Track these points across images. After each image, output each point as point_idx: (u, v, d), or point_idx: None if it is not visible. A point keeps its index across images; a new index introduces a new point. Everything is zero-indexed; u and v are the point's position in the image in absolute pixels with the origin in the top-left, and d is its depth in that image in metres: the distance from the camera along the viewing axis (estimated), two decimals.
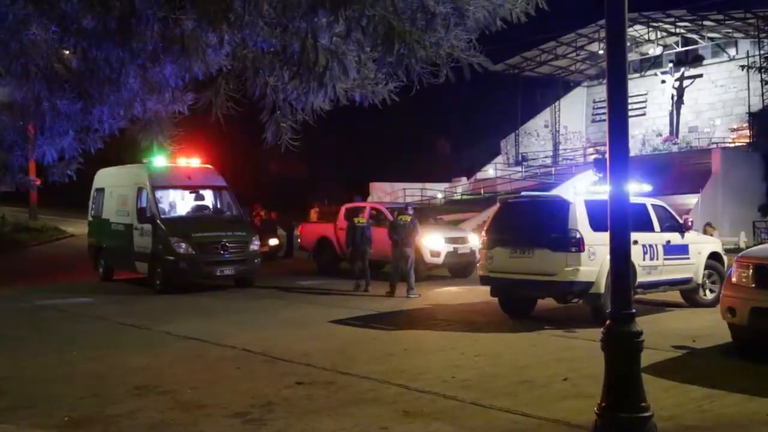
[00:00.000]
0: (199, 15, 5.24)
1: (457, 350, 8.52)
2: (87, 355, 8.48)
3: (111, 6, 5.14)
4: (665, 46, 36.35)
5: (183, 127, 8.44)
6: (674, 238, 11.38)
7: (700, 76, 35.40)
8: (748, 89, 31.66)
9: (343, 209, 19.10)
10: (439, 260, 16.83)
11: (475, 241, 16.40)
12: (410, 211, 14.82)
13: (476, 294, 13.00)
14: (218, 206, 16.71)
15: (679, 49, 36.12)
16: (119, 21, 5.23)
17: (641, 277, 10.52)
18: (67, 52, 6.39)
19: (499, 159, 39.67)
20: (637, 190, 11.60)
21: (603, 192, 10.48)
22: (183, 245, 14.67)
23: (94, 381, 7.10)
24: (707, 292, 11.97)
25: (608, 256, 5.01)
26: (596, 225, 9.81)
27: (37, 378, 7.36)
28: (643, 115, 37.29)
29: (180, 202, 16.55)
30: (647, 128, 36.80)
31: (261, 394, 6.44)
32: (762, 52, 31.21)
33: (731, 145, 32.01)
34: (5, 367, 7.85)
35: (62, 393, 6.66)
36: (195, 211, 16.31)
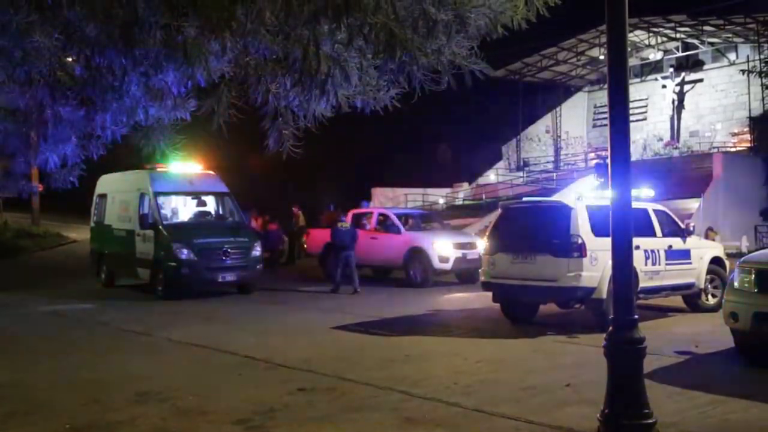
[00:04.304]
0: (201, 22, 5.27)
1: (459, 356, 8.51)
2: (88, 362, 8.48)
3: (114, 14, 5.16)
4: (666, 51, 36.36)
5: (185, 133, 8.47)
6: (676, 243, 11.37)
7: (701, 80, 35.40)
8: (749, 94, 31.63)
9: (350, 215, 19.02)
10: (448, 266, 16.65)
11: (482, 246, 16.32)
12: (343, 218, 16.28)
13: (485, 300, 12.62)
14: (220, 212, 16.72)
15: (680, 54, 36.13)
16: (122, 28, 5.25)
17: (643, 283, 10.51)
18: (70, 59, 6.42)
19: (501, 164, 39.64)
20: (640, 195, 11.60)
21: (606, 197, 10.48)
22: (185, 251, 14.66)
23: (95, 387, 7.09)
24: (709, 297, 11.95)
25: (610, 262, 5.01)
26: (598, 230, 9.81)
27: (38, 384, 7.36)
28: (644, 119, 37.28)
29: (182, 208, 16.56)
30: (648, 133, 36.79)
31: (263, 401, 6.43)
32: (762, 56, 31.20)
33: (732, 149, 31.99)
34: (6, 373, 7.85)
35: (63, 399, 6.66)
36: (197, 217, 16.31)
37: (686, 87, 35.58)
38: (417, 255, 16.82)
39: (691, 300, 11.90)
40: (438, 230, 18.26)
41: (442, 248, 16.71)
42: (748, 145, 30.93)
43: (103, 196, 17.84)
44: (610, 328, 4.87)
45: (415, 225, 18.35)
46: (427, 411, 6.10)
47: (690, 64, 35.83)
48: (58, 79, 6.47)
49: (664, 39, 35.33)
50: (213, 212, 16.69)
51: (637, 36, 34.24)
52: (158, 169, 15.99)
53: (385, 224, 17.87)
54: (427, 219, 20.11)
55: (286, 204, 24.80)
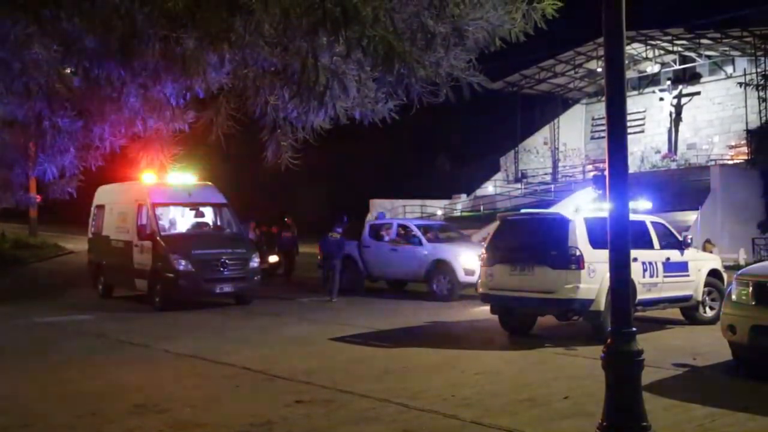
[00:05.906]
0: (200, 34, 5.29)
1: (457, 368, 8.49)
2: (85, 373, 8.44)
3: (113, 25, 5.18)
4: (663, 64, 36.57)
5: (183, 144, 8.48)
6: (674, 255, 11.38)
7: (698, 93, 35.57)
8: (746, 106, 31.80)
9: (367, 226, 18.78)
10: (474, 278, 15.66)
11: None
12: (339, 230, 16.61)
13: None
14: (218, 223, 16.71)
15: (677, 66, 36.32)
16: (121, 40, 5.27)
17: (641, 295, 10.50)
18: (69, 71, 6.44)
19: (499, 176, 39.72)
20: (638, 207, 11.62)
21: (604, 209, 10.51)
22: (182, 262, 14.64)
23: (92, 399, 7.06)
24: (707, 309, 11.94)
25: (608, 274, 5.02)
26: (596, 242, 9.81)
27: (34, 396, 7.32)
28: (642, 132, 37.41)
29: (180, 219, 16.54)
30: (646, 145, 36.91)
31: (260, 413, 6.40)
32: (759, 69, 31.39)
33: (729, 162, 32.09)
34: (2, 385, 7.81)
35: (60, 411, 6.62)
36: (195, 228, 16.30)
37: (683, 100, 35.76)
38: (441, 268, 16.22)
39: (689, 312, 11.88)
40: (460, 242, 17.63)
41: (467, 261, 16.00)
42: (746, 157, 31.05)
43: (101, 207, 17.83)
44: (608, 340, 4.86)
45: (435, 236, 17.71)
46: (425, 423, 6.08)
47: (687, 77, 36.03)
48: (57, 90, 6.48)
49: (662, 52, 35.54)
50: (211, 223, 16.68)
51: (634, 49, 34.43)
52: (156, 180, 15.99)
53: (406, 236, 17.47)
54: (445, 230, 19.43)
55: (279, 214, 24.69)
